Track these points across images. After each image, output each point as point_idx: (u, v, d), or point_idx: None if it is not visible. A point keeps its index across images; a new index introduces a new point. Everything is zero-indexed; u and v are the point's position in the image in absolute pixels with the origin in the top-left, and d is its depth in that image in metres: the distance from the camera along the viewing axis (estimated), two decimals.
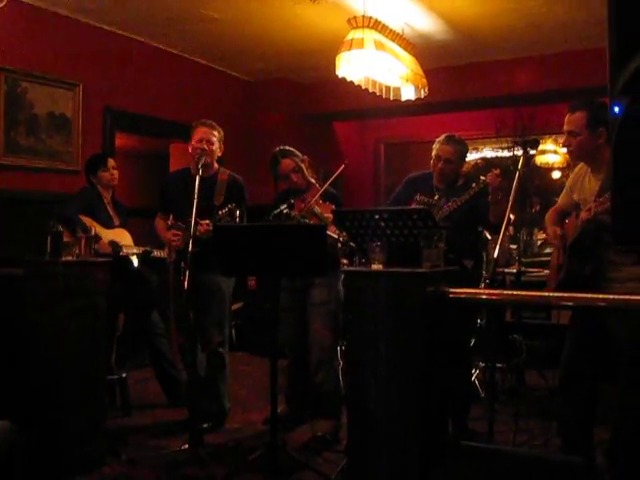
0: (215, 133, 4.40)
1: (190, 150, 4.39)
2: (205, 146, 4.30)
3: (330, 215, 3.96)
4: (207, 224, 4.02)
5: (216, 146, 4.41)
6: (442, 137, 4.26)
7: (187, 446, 3.81)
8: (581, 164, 3.51)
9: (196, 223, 3.88)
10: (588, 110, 3.26)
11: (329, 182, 4.29)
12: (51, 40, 5.46)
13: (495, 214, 3.87)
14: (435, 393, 2.81)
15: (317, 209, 4.14)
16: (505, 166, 5.82)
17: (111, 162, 4.94)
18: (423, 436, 2.74)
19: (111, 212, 4.93)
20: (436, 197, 4.18)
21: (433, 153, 4.27)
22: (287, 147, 4.54)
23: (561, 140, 8.18)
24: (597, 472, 3.22)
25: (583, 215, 3.19)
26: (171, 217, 4.42)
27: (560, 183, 8.89)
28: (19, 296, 3.83)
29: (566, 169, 8.89)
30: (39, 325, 3.65)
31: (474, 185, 3.93)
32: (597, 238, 3.18)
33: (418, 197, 4.24)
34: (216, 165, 4.47)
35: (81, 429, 3.64)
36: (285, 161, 4.45)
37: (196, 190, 3.90)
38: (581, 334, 3.34)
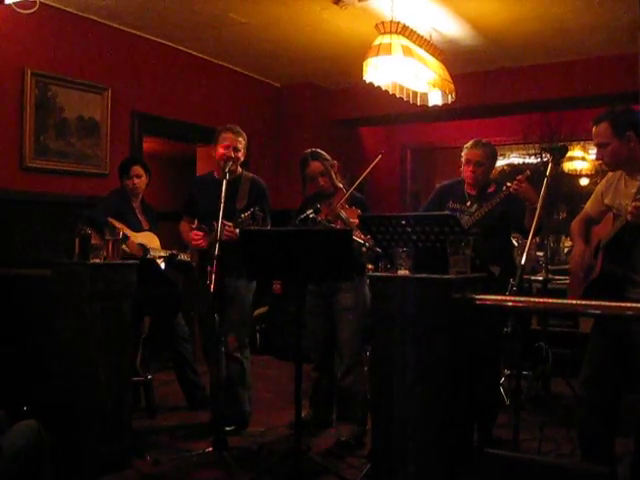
0: (241, 140, 4.45)
1: (216, 155, 4.43)
2: (232, 154, 4.35)
3: (356, 220, 3.96)
4: (230, 227, 4.05)
5: (242, 153, 4.45)
6: (469, 143, 4.27)
7: (211, 449, 3.84)
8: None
9: (222, 226, 3.92)
10: (611, 119, 3.25)
11: (365, 174, 4.27)
12: (81, 45, 5.51)
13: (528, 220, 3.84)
14: (461, 400, 2.79)
15: (343, 213, 4.14)
16: (536, 169, 5.75)
17: (135, 170, 4.95)
18: (448, 444, 2.73)
19: (140, 216, 4.98)
20: (468, 204, 4.18)
21: (463, 159, 4.26)
22: (318, 150, 4.55)
23: (589, 146, 8.21)
24: None
25: (636, 204, 3.02)
26: (196, 221, 4.47)
27: (588, 190, 8.83)
28: (47, 297, 3.88)
29: (594, 176, 8.82)
30: (66, 326, 3.69)
31: (504, 189, 3.93)
32: (635, 240, 3.13)
33: (450, 204, 4.23)
34: (239, 169, 4.51)
35: (106, 430, 3.67)
36: (314, 164, 4.46)
37: (223, 194, 3.96)
38: (605, 341, 3.30)
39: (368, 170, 4.32)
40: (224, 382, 4.39)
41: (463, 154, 4.27)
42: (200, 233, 4.29)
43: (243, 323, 4.51)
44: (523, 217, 3.91)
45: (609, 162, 3.35)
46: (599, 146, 3.32)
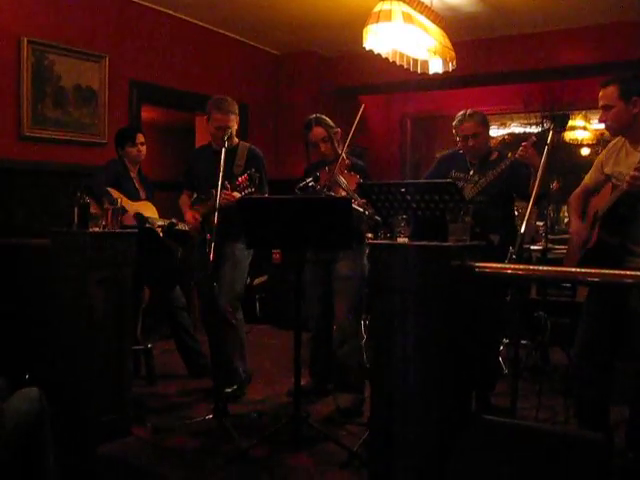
0: (232, 117, 4.41)
1: (209, 129, 4.46)
2: (225, 134, 4.29)
3: (354, 185, 3.96)
4: (228, 192, 4.07)
5: (234, 126, 4.42)
6: (456, 120, 4.26)
7: (212, 416, 3.87)
8: (614, 140, 3.45)
9: (221, 194, 3.93)
10: (619, 82, 3.27)
11: (352, 130, 4.21)
12: (78, 12, 5.45)
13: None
14: (460, 368, 2.80)
15: (341, 179, 4.13)
16: (540, 136, 5.69)
17: (140, 138, 4.97)
18: (446, 410, 2.75)
19: (137, 185, 4.99)
20: (471, 172, 4.17)
21: (458, 137, 4.25)
22: (323, 116, 4.53)
23: (591, 116, 8.15)
24: (617, 450, 3.21)
25: (633, 173, 3.05)
26: (195, 194, 4.49)
27: (589, 160, 8.79)
28: (47, 266, 3.88)
29: (595, 146, 8.77)
30: (66, 295, 3.69)
31: (509, 155, 3.92)
32: (631, 209, 3.13)
33: (453, 174, 4.22)
34: (236, 139, 4.51)
35: (107, 398, 3.69)
36: (317, 129, 4.44)
37: (222, 161, 3.96)
38: (600, 310, 3.30)
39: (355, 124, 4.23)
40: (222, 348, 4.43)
41: (455, 132, 4.26)
42: (198, 218, 4.35)
43: (236, 285, 4.50)
44: (528, 184, 3.89)
45: (611, 125, 3.35)
46: (604, 108, 3.33)
